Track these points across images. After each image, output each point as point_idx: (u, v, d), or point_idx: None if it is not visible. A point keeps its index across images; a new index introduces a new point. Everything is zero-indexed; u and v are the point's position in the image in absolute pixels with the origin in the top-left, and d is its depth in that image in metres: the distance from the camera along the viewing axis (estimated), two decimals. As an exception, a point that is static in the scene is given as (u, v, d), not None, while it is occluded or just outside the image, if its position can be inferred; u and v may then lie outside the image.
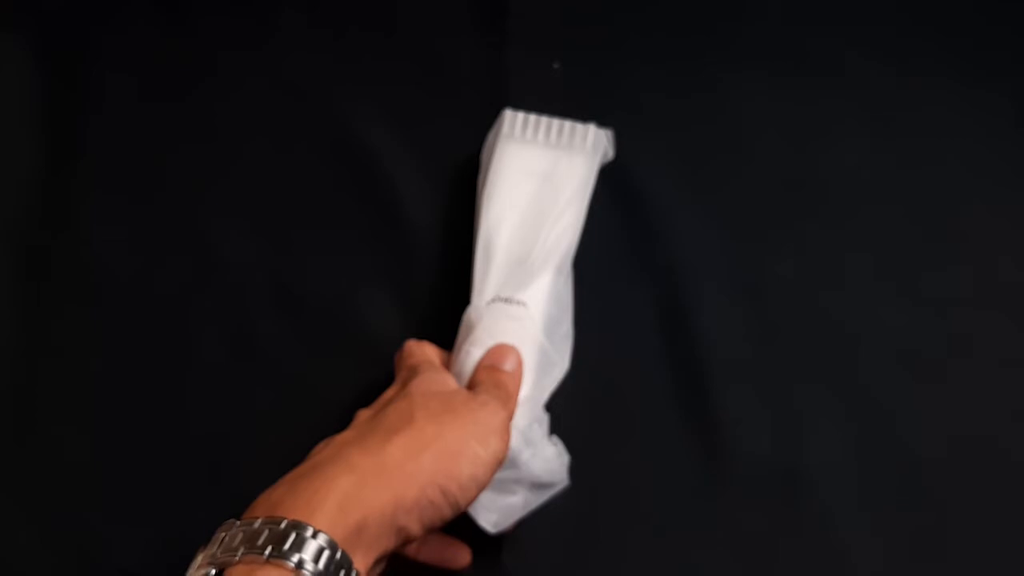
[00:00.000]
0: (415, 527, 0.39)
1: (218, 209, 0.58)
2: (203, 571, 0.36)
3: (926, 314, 0.55)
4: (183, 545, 0.38)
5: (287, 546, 0.35)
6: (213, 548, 0.36)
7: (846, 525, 0.50)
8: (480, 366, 0.47)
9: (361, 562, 0.37)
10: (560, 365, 0.49)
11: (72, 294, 0.55)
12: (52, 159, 0.59)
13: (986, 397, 0.53)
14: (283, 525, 0.36)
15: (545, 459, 0.46)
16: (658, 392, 0.53)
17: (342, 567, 0.36)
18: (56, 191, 0.58)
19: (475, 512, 0.44)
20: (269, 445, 0.50)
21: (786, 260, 0.56)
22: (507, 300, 0.49)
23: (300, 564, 0.35)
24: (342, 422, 0.44)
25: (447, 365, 0.48)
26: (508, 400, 0.45)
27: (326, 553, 0.36)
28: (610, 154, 0.56)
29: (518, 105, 0.57)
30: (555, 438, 0.48)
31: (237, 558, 0.35)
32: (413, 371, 0.46)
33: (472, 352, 0.47)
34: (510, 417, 0.45)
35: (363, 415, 0.44)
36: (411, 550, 0.45)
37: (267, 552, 0.35)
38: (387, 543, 0.39)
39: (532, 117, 0.56)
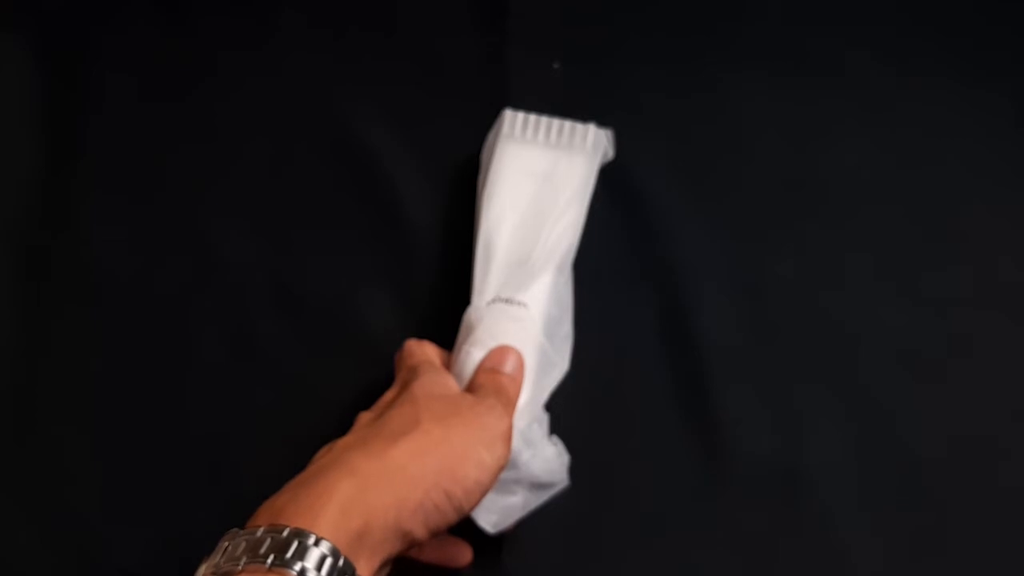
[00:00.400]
0: (420, 531, 0.39)
1: (218, 209, 0.58)
2: None
3: (926, 314, 0.55)
4: (183, 545, 0.38)
5: (289, 554, 0.35)
6: (216, 557, 0.36)
7: (846, 525, 0.50)
8: (481, 368, 0.46)
9: (365, 567, 0.37)
10: (560, 366, 0.49)
11: (72, 294, 0.55)
12: (52, 159, 0.59)
13: (986, 397, 0.53)
14: (285, 533, 0.36)
15: (545, 459, 0.46)
16: (658, 392, 0.53)
17: (344, 574, 0.36)
18: (56, 191, 0.58)
19: (475, 512, 0.44)
20: (269, 445, 0.50)
21: (786, 260, 0.56)
22: (508, 301, 0.49)
23: (303, 572, 0.35)
24: (342, 422, 0.44)
25: (447, 365, 0.48)
26: (509, 404, 0.45)
27: (328, 560, 0.35)
28: (610, 154, 0.56)
29: (518, 105, 0.57)
30: (555, 438, 0.47)
31: (240, 567, 0.35)
32: (414, 372, 0.46)
33: (473, 353, 0.47)
34: (512, 422, 0.45)
35: (364, 418, 0.44)
36: (412, 549, 0.45)
37: (269, 561, 0.35)
38: (391, 547, 0.39)
39: (532, 117, 0.56)
